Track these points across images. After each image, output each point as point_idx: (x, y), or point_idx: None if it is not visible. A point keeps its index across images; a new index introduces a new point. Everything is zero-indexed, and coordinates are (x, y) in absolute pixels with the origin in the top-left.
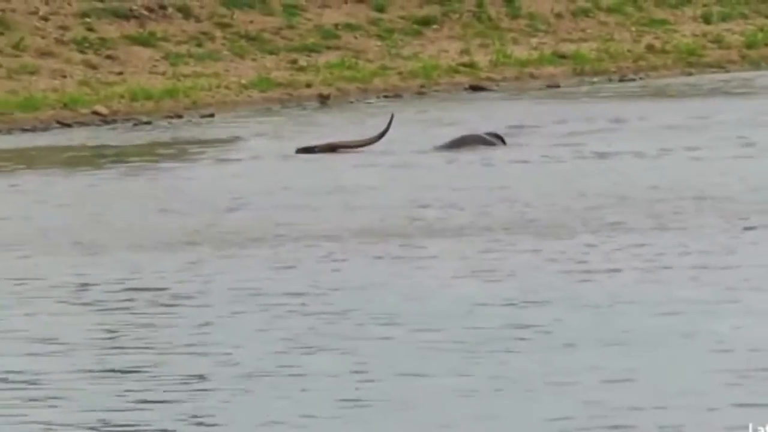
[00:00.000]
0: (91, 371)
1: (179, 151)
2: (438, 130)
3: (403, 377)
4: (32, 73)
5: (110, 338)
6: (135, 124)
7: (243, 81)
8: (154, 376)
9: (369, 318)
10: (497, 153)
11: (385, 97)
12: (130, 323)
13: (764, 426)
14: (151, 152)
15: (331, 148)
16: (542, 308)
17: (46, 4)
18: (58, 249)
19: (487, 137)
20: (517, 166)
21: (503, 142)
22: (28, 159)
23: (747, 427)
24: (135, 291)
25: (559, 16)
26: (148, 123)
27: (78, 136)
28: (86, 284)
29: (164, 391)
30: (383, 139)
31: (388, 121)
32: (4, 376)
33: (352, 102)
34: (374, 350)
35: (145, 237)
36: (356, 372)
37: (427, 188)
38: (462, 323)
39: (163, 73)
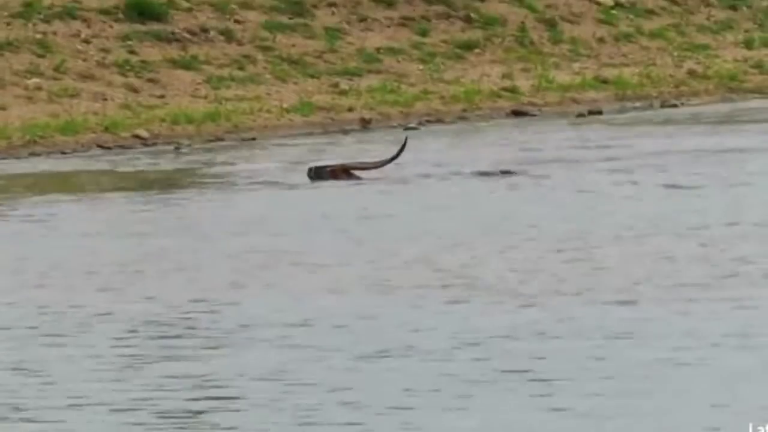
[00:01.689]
0: None
1: (223, 175)
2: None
3: None
4: (73, 96)
5: None
6: (176, 148)
7: (284, 105)
8: None
9: None
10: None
11: (428, 121)
12: None
13: (764, 426)
14: (195, 176)
15: (344, 170)
16: None
17: (88, 26)
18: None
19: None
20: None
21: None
22: (74, 182)
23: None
24: None
25: (601, 40)
26: (188, 146)
27: (118, 160)
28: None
29: None
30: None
31: (401, 144)
32: None
33: (394, 126)
34: None
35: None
36: None
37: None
38: None
39: (205, 97)
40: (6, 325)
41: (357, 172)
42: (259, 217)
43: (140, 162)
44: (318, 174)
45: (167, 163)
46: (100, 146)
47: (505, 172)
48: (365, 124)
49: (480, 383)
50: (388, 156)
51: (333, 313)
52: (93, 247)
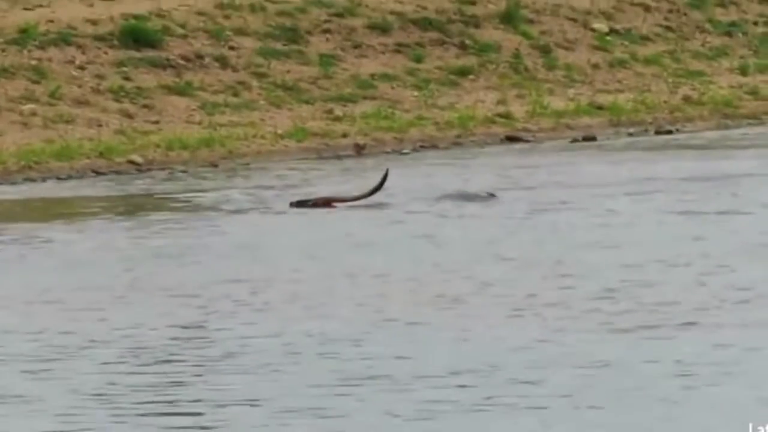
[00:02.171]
0: None
1: (216, 200)
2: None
3: None
4: (68, 122)
5: None
6: (170, 174)
7: (279, 131)
8: None
9: None
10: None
11: (422, 147)
12: None
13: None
14: (188, 202)
15: (326, 203)
16: None
17: (83, 53)
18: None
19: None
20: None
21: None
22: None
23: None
24: None
25: (595, 66)
26: (183, 172)
27: (113, 185)
28: None
29: None
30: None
31: (382, 175)
32: None
33: (388, 152)
34: None
35: None
36: None
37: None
38: None
39: (199, 123)
40: None
41: (338, 204)
42: (249, 243)
43: (134, 188)
44: (300, 207)
45: (161, 189)
46: (95, 172)
47: (490, 195)
48: (359, 150)
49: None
50: (369, 188)
51: (320, 339)
52: (84, 272)
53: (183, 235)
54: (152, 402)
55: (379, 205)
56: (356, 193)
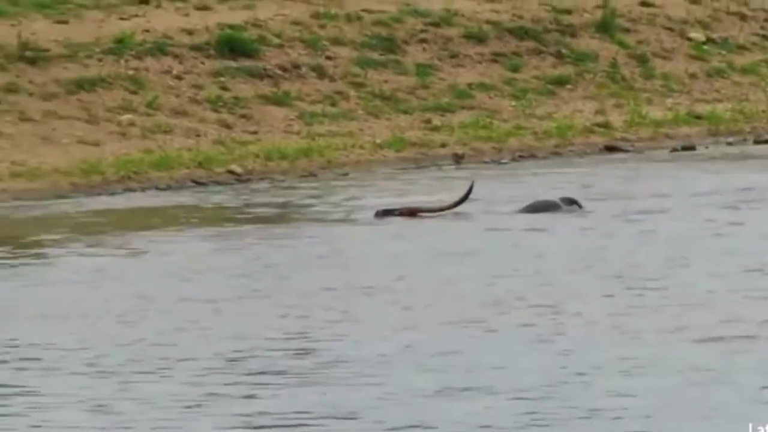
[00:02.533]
0: None
1: (317, 210)
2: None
3: None
4: (166, 132)
5: None
6: (270, 184)
7: (377, 140)
8: None
9: None
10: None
11: (520, 157)
12: None
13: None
14: (289, 212)
15: (411, 213)
16: None
17: (180, 63)
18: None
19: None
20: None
21: (579, 206)
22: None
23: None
24: None
25: (693, 76)
26: (282, 182)
27: (212, 195)
28: None
29: None
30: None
31: (468, 187)
32: None
33: (486, 162)
34: None
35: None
36: None
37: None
38: None
39: (298, 133)
40: (87, 361)
41: (423, 215)
42: (345, 253)
43: (233, 198)
44: (385, 217)
45: (261, 199)
46: (194, 181)
47: (576, 205)
48: (458, 160)
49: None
50: (455, 199)
51: (418, 350)
52: (183, 283)
53: (283, 245)
54: (249, 414)
55: (464, 215)
56: (442, 204)
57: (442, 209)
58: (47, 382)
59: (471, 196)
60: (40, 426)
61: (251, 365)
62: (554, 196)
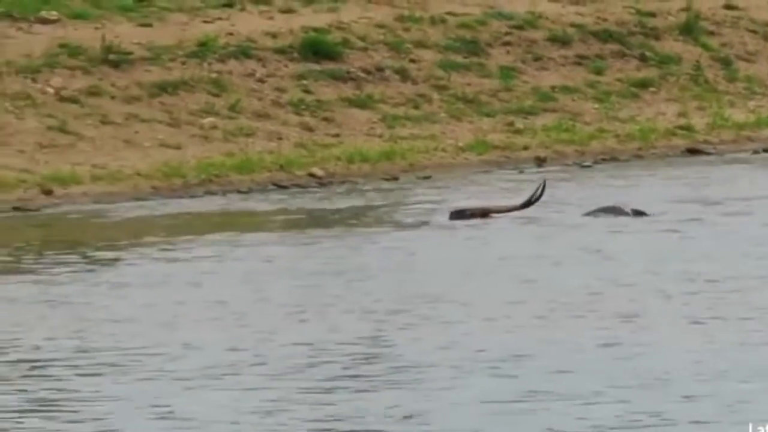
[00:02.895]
0: None
1: (397, 214)
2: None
3: None
4: (248, 135)
5: None
6: (351, 187)
7: (460, 143)
8: None
9: None
10: None
11: (603, 159)
12: None
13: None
14: (371, 215)
15: (483, 213)
16: None
17: (263, 66)
18: None
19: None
20: None
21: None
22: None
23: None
24: None
25: None
26: (363, 185)
27: (295, 198)
28: None
29: None
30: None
31: (540, 186)
32: None
33: (569, 165)
34: None
35: None
36: None
37: None
38: None
39: (380, 136)
40: (158, 366)
41: (496, 215)
42: (420, 257)
43: (315, 201)
44: (459, 217)
45: (341, 202)
46: (275, 185)
47: (637, 213)
48: (540, 163)
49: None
50: (527, 198)
51: (492, 355)
52: (256, 287)
53: (359, 249)
54: (319, 419)
55: (534, 218)
56: (513, 204)
57: (513, 209)
58: (118, 387)
59: (542, 196)
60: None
61: (322, 370)
62: (624, 203)
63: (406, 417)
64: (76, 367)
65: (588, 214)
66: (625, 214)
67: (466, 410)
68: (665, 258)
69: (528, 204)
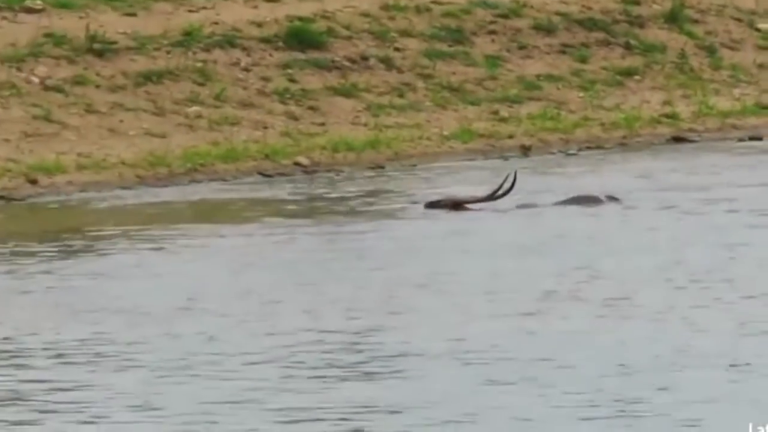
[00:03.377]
0: None
1: (380, 202)
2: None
3: None
4: (234, 124)
5: None
6: (336, 175)
7: (445, 132)
8: None
9: None
10: None
11: (588, 147)
12: None
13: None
14: (352, 204)
15: (456, 204)
16: None
17: (248, 55)
18: None
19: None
20: None
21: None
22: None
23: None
24: None
25: (761, 66)
26: (347, 173)
27: (279, 187)
28: None
29: None
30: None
31: (512, 177)
32: None
33: (553, 153)
34: None
35: None
36: None
37: None
38: None
39: (365, 124)
40: (140, 357)
41: (470, 206)
42: (406, 246)
43: (299, 189)
44: (433, 207)
45: (325, 191)
46: (260, 174)
47: (611, 199)
48: (525, 151)
49: None
50: (497, 189)
51: (469, 344)
52: (239, 276)
53: (340, 238)
54: (293, 409)
55: (508, 208)
56: (484, 195)
57: (484, 200)
58: (102, 377)
59: (514, 187)
60: (94, 422)
61: (301, 359)
62: (598, 191)
63: (381, 406)
64: (56, 356)
65: (561, 202)
66: (599, 201)
67: (443, 399)
68: (629, 245)
69: (500, 195)
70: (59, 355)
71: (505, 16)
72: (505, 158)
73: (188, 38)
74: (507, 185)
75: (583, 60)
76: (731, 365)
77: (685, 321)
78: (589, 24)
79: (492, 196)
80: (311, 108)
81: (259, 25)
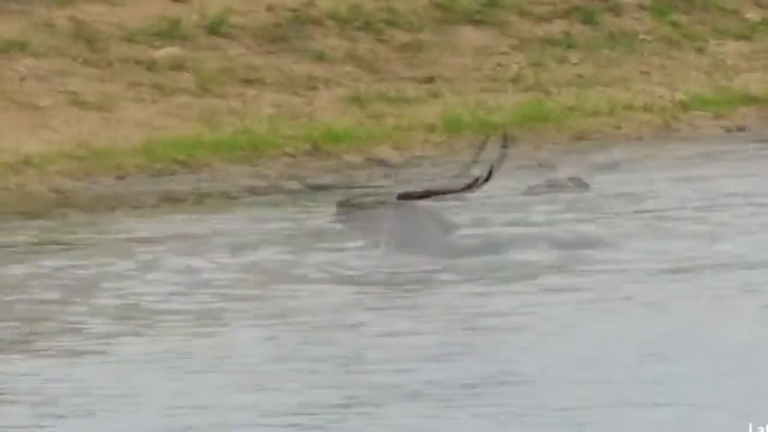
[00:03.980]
0: None
1: None
2: None
3: None
4: (222, 114)
5: None
6: (323, 165)
7: (431, 121)
8: None
9: None
10: None
11: (574, 138)
12: None
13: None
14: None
15: (427, 194)
16: None
17: (235, 46)
18: None
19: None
20: None
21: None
22: None
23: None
24: None
25: (748, 57)
26: (334, 164)
27: (269, 179)
28: None
29: None
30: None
31: (488, 169)
32: None
33: (541, 143)
34: None
35: None
36: None
37: None
38: None
39: (352, 114)
40: (110, 350)
41: (441, 197)
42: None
43: (285, 179)
44: (406, 198)
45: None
46: (249, 164)
47: (579, 184)
48: (512, 140)
49: None
50: (471, 180)
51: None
52: (211, 263)
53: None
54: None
55: (475, 197)
56: (456, 186)
57: (456, 191)
58: (77, 371)
59: (490, 179)
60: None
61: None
62: (562, 174)
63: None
64: (30, 351)
65: (528, 190)
66: (566, 186)
67: (414, 395)
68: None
69: (473, 186)
70: (33, 349)
71: (491, 5)
72: (489, 148)
73: (175, 29)
74: (484, 176)
75: (568, 48)
76: None
77: None
78: (575, 13)
79: (469, 187)
80: (298, 97)
81: (245, 15)
